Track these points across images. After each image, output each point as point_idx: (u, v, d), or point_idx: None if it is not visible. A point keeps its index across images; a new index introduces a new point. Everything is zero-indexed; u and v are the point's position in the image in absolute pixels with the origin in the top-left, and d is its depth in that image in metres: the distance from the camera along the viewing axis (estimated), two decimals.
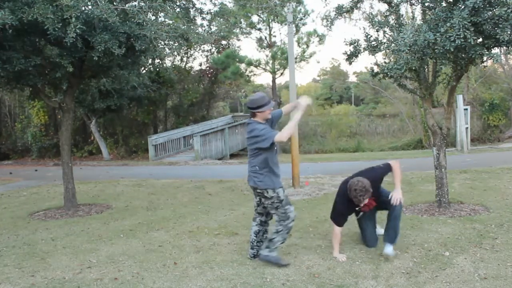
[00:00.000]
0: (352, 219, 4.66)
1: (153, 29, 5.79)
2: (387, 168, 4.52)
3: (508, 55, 16.85)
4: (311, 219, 6.06)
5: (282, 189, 4.21)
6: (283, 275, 4.02)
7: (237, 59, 19.82)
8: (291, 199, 7.51)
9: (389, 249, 4.29)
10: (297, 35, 19.51)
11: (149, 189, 9.36)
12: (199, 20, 11.20)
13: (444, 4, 5.26)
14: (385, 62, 5.99)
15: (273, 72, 20.14)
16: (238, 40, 22.75)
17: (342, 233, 4.58)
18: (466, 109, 14.59)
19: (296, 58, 18.82)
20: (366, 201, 4.28)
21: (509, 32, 4.70)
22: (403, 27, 5.53)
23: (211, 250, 4.86)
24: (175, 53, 16.53)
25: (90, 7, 5.58)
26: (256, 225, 4.46)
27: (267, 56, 20.14)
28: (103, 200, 8.25)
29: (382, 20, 5.92)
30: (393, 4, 5.89)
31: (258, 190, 4.20)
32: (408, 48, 4.92)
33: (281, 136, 3.93)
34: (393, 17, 5.93)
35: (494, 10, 4.72)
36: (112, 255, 4.83)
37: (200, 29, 7.92)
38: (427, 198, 6.80)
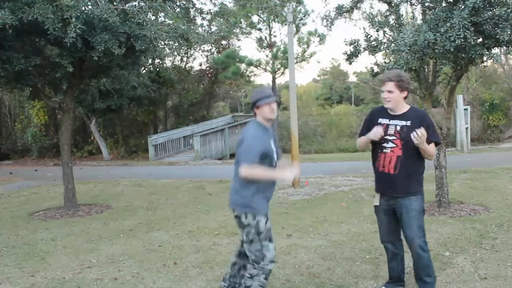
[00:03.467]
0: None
1: (153, 29, 5.79)
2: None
3: (508, 55, 16.85)
4: (311, 219, 6.05)
5: (266, 218, 3.21)
6: (283, 275, 4.02)
7: (237, 59, 19.82)
8: (291, 199, 7.53)
9: None
10: (297, 35, 19.52)
11: (149, 189, 9.36)
12: (199, 20, 11.18)
13: (444, 4, 5.26)
14: (385, 62, 5.99)
15: (273, 72, 20.14)
16: (238, 40, 22.79)
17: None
18: (466, 109, 14.60)
19: (296, 58, 18.82)
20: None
21: (509, 32, 4.71)
22: (403, 27, 5.53)
23: (211, 250, 4.85)
24: (175, 53, 16.52)
25: (90, 7, 5.59)
26: (235, 255, 3.55)
27: (267, 56, 20.15)
28: (103, 200, 8.24)
29: (382, 20, 5.92)
30: (393, 4, 5.89)
31: (235, 213, 3.25)
32: (408, 48, 4.92)
33: (245, 170, 3.07)
34: (393, 17, 5.93)
35: (494, 10, 4.72)
36: (112, 255, 4.83)
37: (200, 29, 7.93)
38: (427, 198, 6.69)
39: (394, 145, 3.25)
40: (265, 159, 3.15)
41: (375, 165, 3.39)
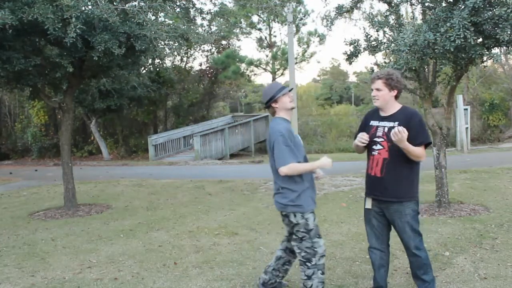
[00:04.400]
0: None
1: (153, 29, 5.79)
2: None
3: (508, 55, 16.85)
4: None
5: (314, 214, 3.29)
6: None
7: (237, 59, 19.85)
8: None
9: None
10: (297, 35, 19.55)
11: (149, 189, 9.36)
12: (199, 20, 11.21)
13: (444, 4, 5.26)
14: (385, 62, 5.99)
15: (273, 72, 20.17)
16: (238, 40, 22.83)
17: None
18: (466, 109, 14.61)
19: (296, 58, 18.85)
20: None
21: (509, 32, 4.71)
22: (403, 27, 5.53)
23: (211, 250, 4.86)
24: (175, 53, 16.51)
25: (90, 7, 5.59)
26: (281, 249, 3.58)
27: (267, 56, 20.19)
28: (103, 200, 8.24)
29: (382, 20, 5.92)
30: (393, 4, 5.89)
31: (283, 213, 3.30)
32: (408, 48, 4.92)
33: (284, 170, 3.14)
34: (393, 17, 5.93)
35: (494, 10, 4.72)
36: (112, 255, 4.83)
37: (200, 29, 7.92)
38: (427, 198, 6.79)
39: (381, 147, 3.18)
40: (298, 152, 3.23)
41: (367, 167, 3.34)
